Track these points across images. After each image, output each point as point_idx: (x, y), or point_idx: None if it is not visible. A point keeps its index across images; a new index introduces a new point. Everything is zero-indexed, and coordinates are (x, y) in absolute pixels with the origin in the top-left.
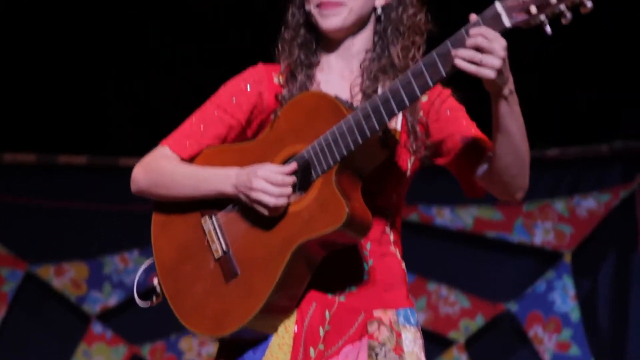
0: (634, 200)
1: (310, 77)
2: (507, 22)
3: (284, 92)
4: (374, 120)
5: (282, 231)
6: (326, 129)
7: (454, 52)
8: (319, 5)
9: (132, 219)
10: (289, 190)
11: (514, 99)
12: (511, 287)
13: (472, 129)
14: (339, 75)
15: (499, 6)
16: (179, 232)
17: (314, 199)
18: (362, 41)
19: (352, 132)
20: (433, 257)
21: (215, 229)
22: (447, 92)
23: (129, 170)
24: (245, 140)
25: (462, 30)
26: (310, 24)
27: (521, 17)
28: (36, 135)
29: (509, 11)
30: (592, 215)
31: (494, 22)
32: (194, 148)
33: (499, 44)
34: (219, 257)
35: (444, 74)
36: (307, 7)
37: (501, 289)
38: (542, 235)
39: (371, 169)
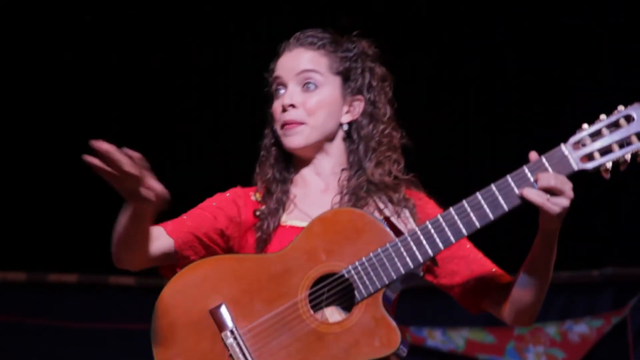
0: (626, 326)
1: (286, 192)
2: (574, 166)
3: (263, 208)
4: (427, 247)
5: (322, 355)
6: (369, 250)
7: (520, 190)
8: (282, 126)
9: (124, 336)
10: None
11: (556, 238)
12: None
13: (482, 258)
14: (316, 190)
15: (565, 149)
16: (192, 344)
17: (358, 322)
18: (335, 158)
19: (402, 257)
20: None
21: (239, 344)
22: None
23: (119, 288)
24: (248, 252)
25: (525, 169)
26: (271, 146)
27: (585, 163)
28: (26, 254)
29: (575, 156)
30: (584, 340)
31: (561, 164)
32: (181, 230)
33: (569, 187)
34: None
35: (506, 208)
36: (275, 126)
37: None
38: (534, 359)
39: (405, 288)
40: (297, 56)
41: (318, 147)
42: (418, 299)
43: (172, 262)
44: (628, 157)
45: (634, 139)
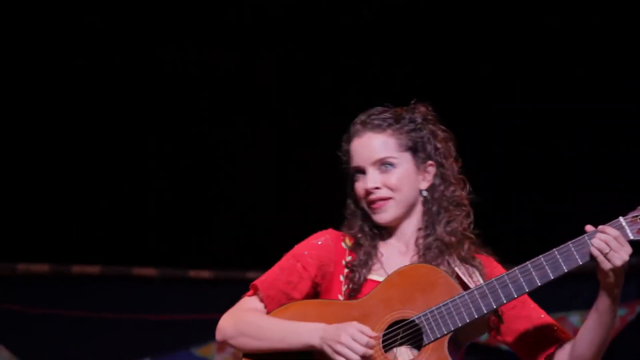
0: None
1: (375, 247)
2: (630, 235)
3: (353, 261)
4: (491, 299)
5: None
6: (439, 301)
7: (590, 242)
8: (369, 206)
9: (145, 327)
10: (371, 352)
11: (617, 301)
12: None
13: (545, 317)
14: (397, 252)
15: (622, 221)
16: None
17: None
18: (415, 222)
19: (468, 308)
20: None
21: None
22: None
23: (142, 279)
24: (335, 299)
25: (585, 237)
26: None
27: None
28: (50, 246)
29: (631, 226)
30: None
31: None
32: (271, 287)
33: (628, 248)
34: None
35: (565, 270)
36: (361, 204)
37: None
38: None
39: (472, 340)
40: (369, 143)
41: (404, 217)
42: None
43: None
44: None
45: None
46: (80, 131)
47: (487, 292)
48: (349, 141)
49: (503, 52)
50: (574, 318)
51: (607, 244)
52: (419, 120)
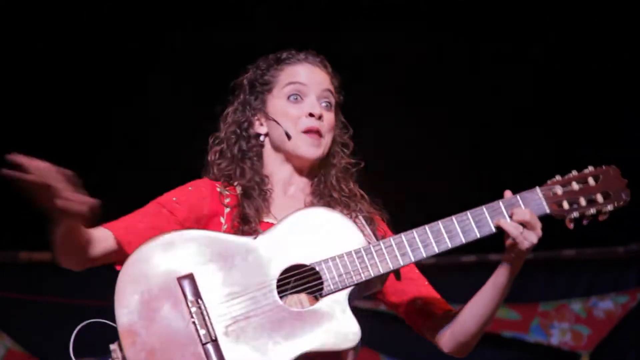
0: None
1: (264, 197)
2: (547, 209)
3: (230, 201)
4: (398, 257)
5: (286, 329)
6: (342, 250)
7: (496, 220)
8: (306, 131)
9: None
10: None
11: (514, 277)
12: None
13: (429, 285)
14: (283, 194)
15: (539, 192)
16: (155, 308)
17: (324, 314)
18: (312, 169)
19: (374, 261)
20: (447, 357)
21: (203, 314)
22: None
23: None
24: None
25: (500, 203)
26: (260, 148)
27: (554, 209)
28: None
29: (547, 200)
30: (610, 316)
31: (534, 205)
32: (131, 233)
33: (540, 226)
34: (206, 342)
35: (478, 235)
36: (269, 130)
37: None
38: (559, 335)
39: (368, 293)
40: (321, 74)
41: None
42: (441, 274)
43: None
44: (592, 211)
45: (599, 197)
46: (87, 117)
47: (394, 248)
48: (281, 63)
49: None
50: (575, 306)
51: (520, 223)
52: (340, 85)
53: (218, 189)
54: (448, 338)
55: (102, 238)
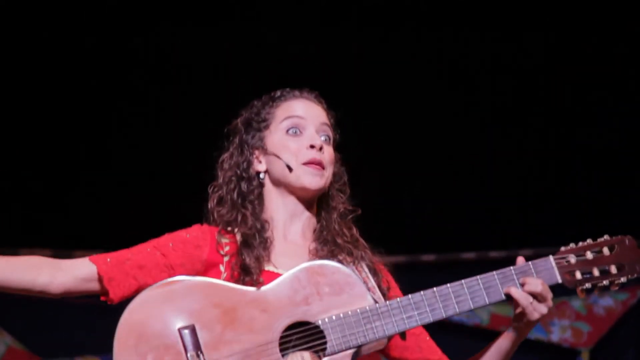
0: None
1: (265, 245)
2: (559, 278)
3: (229, 249)
4: (405, 319)
5: None
6: (347, 308)
7: (507, 288)
8: (307, 163)
9: None
10: None
11: (519, 342)
12: None
13: (431, 341)
14: (284, 238)
15: (552, 261)
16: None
17: None
18: (314, 209)
19: (379, 322)
20: (448, 353)
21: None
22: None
23: None
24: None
25: (512, 270)
26: (260, 189)
27: (567, 278)
28: (52, 231)
29: (560, 270)
30: (610, 313)
31: (546, 274)
32: (116, 270)
33: (551, 297)
34: None
35: (487, 301)
36: (268, 167)
37: None
38: (559, 332)
39: (372, 351)
40: (317, 108)
41: (318, 195)
42: (441, 271)
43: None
44: (605, 283)
45: (613, 268)
46: (85, 113)
47: (401, 310)
48: (276, 100)
49: None
50: (575, 302)
51: (531, 294)
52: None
53: (217, 237)
54: None
55: (86, 274)
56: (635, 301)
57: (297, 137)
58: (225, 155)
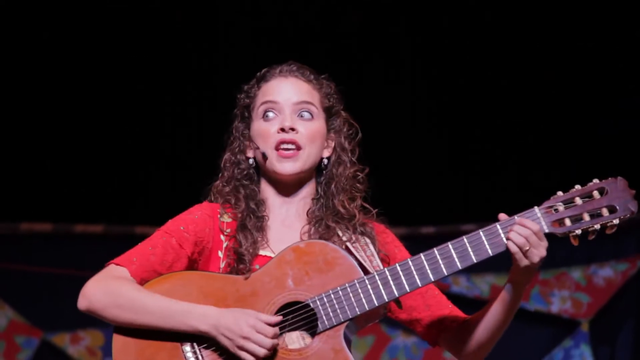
0: None
1: (260, 227)
2: (545, 228)
3: (239, 247)
4: (393, 287)
5: None
6: (336, 284)
7: (507, 235)
8: (277, 147)
9: None
10: (277, 342)
11: (522, 294)
12: (528, 356)
13: (439, 295)
14: (286, 216)
15: (538, 212)
16: (151, 353)
17: (317, 352)
18: (307, 188)
19: (368, 294)
20: None
21: (198, 359)
22: (400, 244)
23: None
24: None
25: (497, 226)
26: (251, 172)
27: (556, 228)
28: (53, 205)
29: (547, 219)
30: (610, 284)
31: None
32: (145, 270)
33: (546, 243)
34: None
35: (474, 260)
36: (254, 153)
37: (518, 357)
38: (559, 303)
39: (368, 324)
40: (295, 85)
41: (302, 176)
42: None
43: None
44: (597, 226)
45: (605, 211)
46: (85, 90)
47: (389, 279)
48: (260, 82)
49: None
50: (575, 273)
51: (527, 239)
52: (335, 93)
53: (219, 214)
54: (463, 349)
55: (120, 276)
56: (635, 271)
57: (271, 121)
58: (229, 141)
